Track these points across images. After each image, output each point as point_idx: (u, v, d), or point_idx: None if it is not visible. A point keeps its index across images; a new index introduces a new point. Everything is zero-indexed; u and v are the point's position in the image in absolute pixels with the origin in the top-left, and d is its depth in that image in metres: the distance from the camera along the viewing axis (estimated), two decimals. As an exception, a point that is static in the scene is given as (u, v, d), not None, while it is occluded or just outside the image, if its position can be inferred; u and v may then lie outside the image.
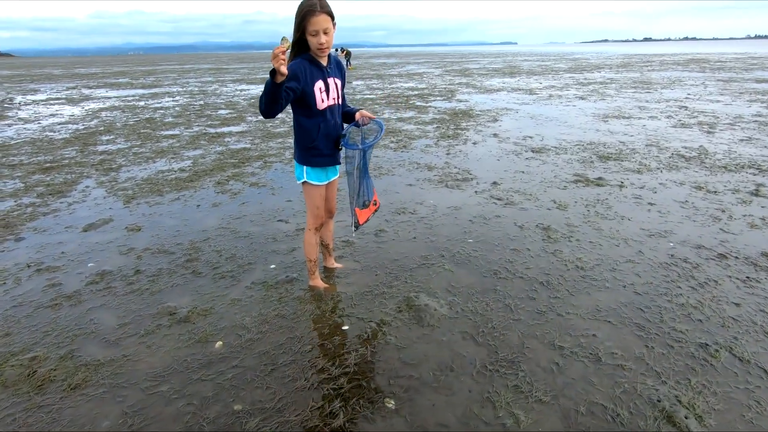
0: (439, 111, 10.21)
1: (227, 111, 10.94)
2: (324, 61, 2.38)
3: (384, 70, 28.35)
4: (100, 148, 6.99)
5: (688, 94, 12.34)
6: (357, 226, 2.64)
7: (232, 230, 3.69)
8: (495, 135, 7.39)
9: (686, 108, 9.87)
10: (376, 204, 2.69)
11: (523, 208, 4.05)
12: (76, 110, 11.77)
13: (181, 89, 17.69)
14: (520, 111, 9.98)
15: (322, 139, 2.42)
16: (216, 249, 3.33)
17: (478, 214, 3.91)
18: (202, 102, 13.00)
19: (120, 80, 24.03)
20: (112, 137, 7.86)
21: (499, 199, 4.29)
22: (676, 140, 6.71)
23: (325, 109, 2.41)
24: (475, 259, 3.10)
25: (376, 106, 11.32)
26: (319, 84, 2.35)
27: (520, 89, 14.72)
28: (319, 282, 2.79)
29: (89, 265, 3.14)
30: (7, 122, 9.88)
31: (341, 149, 2.52)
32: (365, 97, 13.40)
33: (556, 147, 6.43)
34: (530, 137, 7.16)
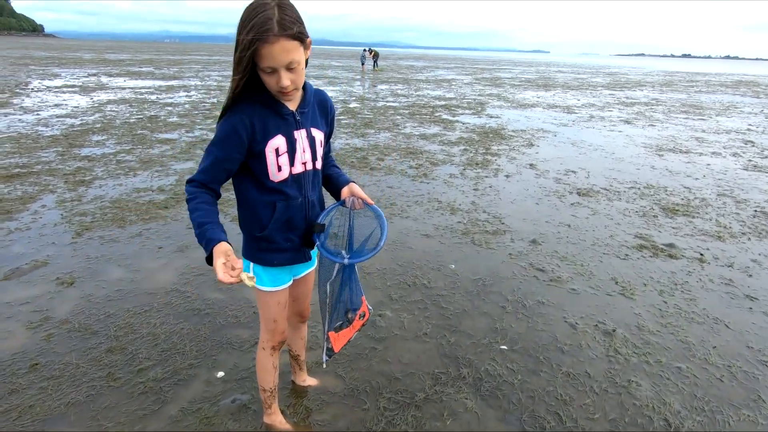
0: (467, 128, 9.20)
1: (238, 112, 10.17)
2: (292, 104, 1.46)
3: (411, 74, 27.38)
4: (84, 151, 6.26)
5: (750, 125, 10.98)
6: (330, 353, 1.70)
7: (186, 296, 2.80)
8: (531, 166, 6.35)
9: (753, 143, 8.60)
10: (364, 316, 1.75)
11: (573, 289, 3.05)
12: (84, 101, 11.21)
13: (199, 83, 17.11)
14: (559, 135, 8.88)
15: (278, 227, 1.50)
16: (153, 331, 2.45)
17: (513, 296, 2.93)
18: (215, 100, 12.30)
19: (143, 69, 23.73)
20: (103, 138, 7.14)
21: (541, 271, 3.29)
22: (754, 189, 5.55)
23: (287, 179, 1.49)
24: (510, 388, 2.12)
25: (399, 116, 10.38)
26: (277, 142, 1.42)
27: (556, 106, 13.55)
28: (278, 420, 1.87)
29: (-23, 346, 2.31)
30: (6, 111, 9.33)
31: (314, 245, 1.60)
32: (388, 104, 12.47)
33: (606, 189, 5.36)
34: (573, 172, 6.10)
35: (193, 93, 13.77)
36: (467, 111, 11.78)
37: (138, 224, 3.88)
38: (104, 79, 17.13)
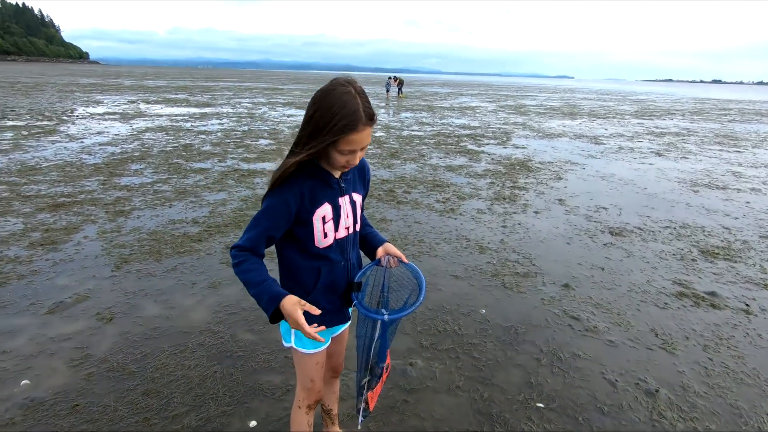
0: (493, 159, 9.19)
1: (267, 141, 10.49)
2: (338, 173, 1.51)
3: (436, 101, 27.75)
4: (124, 180, 6.55)
5: (790, 159, 10.57)
6: (366, 413, 1.69)
7: (219, 337, 2.85)
8: (560, 201, 6.26)
9: (795, 179, 8.25)
10: (387, 369, 1.73)
11: (611, 341, 2.94)
12: (124, 129, 11.79)
13: (231, 110, 17.79)
14: (587, 167, 8.76)
15: (322, 291, 1.54)
16: (187, 374, 2.48)
17: (548, 347, 2.85)
18: (246, 128, 12.73)
19: (179, 96, 24.89)
20: (142, 167, 7.47)
21: (575, 319, 3.19)
22: (799, 232, 5.30)
23: (331, 245, 1.53)
24: (549, 452, 2.04)
25: (425, 146, 10.48)
26: (324, 210, 1.47)
27: (583, 136, 13.42)
28: (310, 480, 1.85)
29: (22, 383, 2.38)
30: (53, 138, 9.90)
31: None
32: (413, 133, 12.63)
33: (640, 228, 5.22)
34: (604, 209, 5.97)
35: (225, 121, 14.31)
36: (492, 141, 11.80)
37: (173, 258, 3.99)
38: (143, 106, 18.03)
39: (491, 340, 2.90)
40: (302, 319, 1.33)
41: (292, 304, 1.34)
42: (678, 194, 6.89)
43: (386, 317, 1.52)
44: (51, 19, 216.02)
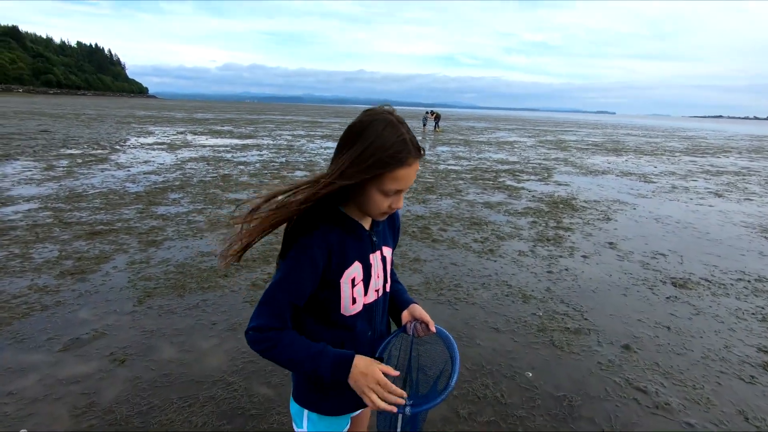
0: (534, 197, 8.75)
1: (303, 173, 10.56)
2: (366, 222, 1.26)
3: (472, 135, 27.61)
4: (161, 210, 6.63)
5: None
6: None
7: (233, 389, 2.59)
8: (611, 245, 5.73)
9: None
10: None
11: (689, 425, 2.44)
12: (169, 158, 12.28)
13: (271, 142, 18.32)
14: (639, 207, 8.14)
15: None
16: (194, 435, 2.22)
17: (611, 427, 2.38)
18: (284, 159, 12.96)
19: (224, 128, 26.08)
20: (180, 196, 7.59)
21: (642, 392, 2.71)
22: None
23: (359, 312, 1.25)
24: None
25: (461, 181, 10.19)
26: (354, 271, 1.21)
27: (631, 174, 12.70)
28: None
29: (20, 433, 2.20)
30: (103, 166, 10.40)
31: None
32: (450, 167, 12.40)
33: (707, 280, 4.62)
34: (663, 255, 5.40)
35: (264, 152, 14.68)
36: (533, 177, 11.35)
37: (197, 293, 3.84)
38: (189, 137, 18.92)
39: (541, 413, 2.47)
40: (384, 379, 1.09)
41: (367, 365, 1.11)
42: (747, 241, 6.17)
43: (407, 411, 1.19)
44: (118, 58, 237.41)
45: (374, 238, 1.26)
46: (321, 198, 1.15)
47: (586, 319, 3.64)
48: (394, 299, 1.41)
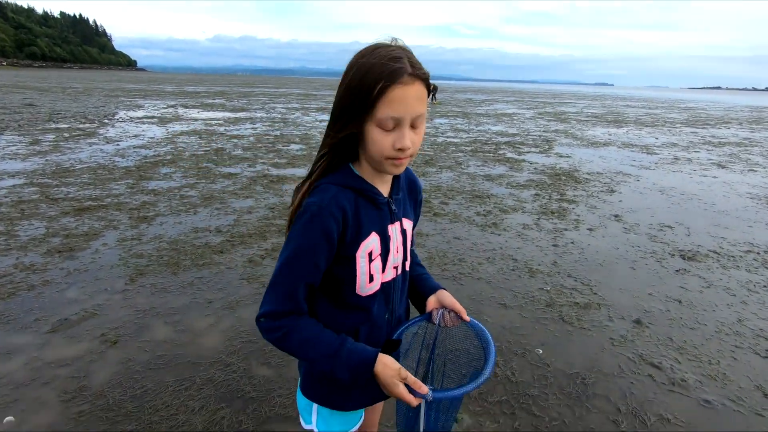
0: (536, 169, 8.55)
1: (299, 147, 10.26)
2: (384, 187, 1.08)
3: (470, 107, 27.08)
4: (152, 184, 6.39)
5: None
6: None
7: (231, 371, 2.46)
8: (616, 217, 5.60)
9: None
10: None
11: (707, 401, 2.35)
12: (159, 132, 11.90)
13: (265, 115, 17.84)
14: (642, 179, 7.98)
15: None
16: (190, 419, 2.10)
17: (626, 405, 2.29)
18: (278, 133, 12.61)
19: (215, 101, 25.39)
20: (171, 170, 7.34)
21: (656, 368, 2.61)
22: None
23: (376, 292, 1.09)
24: None
25: (461, 153, 9.96)
26: (371, 243, 1.04)
27: (632, 145, 12.49)
28: None
29: (5, 420, 2.07)
30: (91, 140, 10.05)
31: None
32: (449, 140, 12.12)
33: (716, 252, 4.52)
34: (669, 227, 5.27)
35: (258, 125, 14.28)
36: (533, 149, 11.12)
37: (191, 271, 3.68)
38: (180, 111, 18.38)
39: (553, 392, 2.37)
40: (406, 396, 0.97)
41: (391, 377, 0.97)
42: (754, 212, 6.06)
43: (430, 395, 1.05)
44: (104, 29, 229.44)
45: (393, 207, 1.09)
46: (330, 161, 0.99)
47: (595, 293, 3.53)
48: (418, 284, 1.25)
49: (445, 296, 1.19)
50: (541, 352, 2.73)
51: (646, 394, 2.38)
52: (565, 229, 5.06)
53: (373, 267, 1.06)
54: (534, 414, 2.21)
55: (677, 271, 4.02)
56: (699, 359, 2.71)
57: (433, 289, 1.21)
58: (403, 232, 1.13)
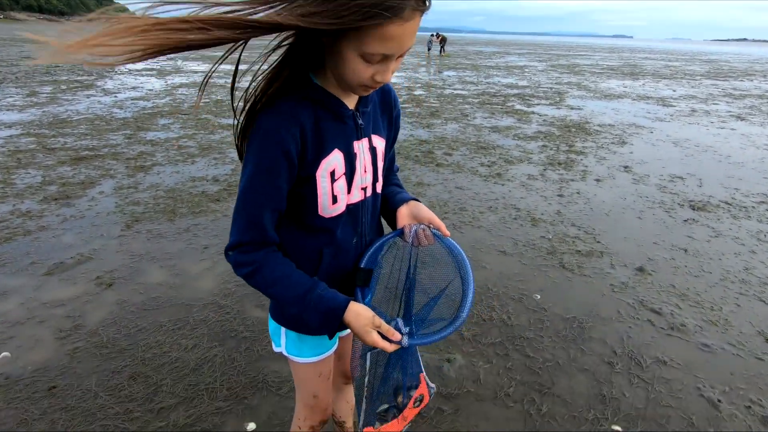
0: (544, 120, 8.25)
1: (300, 98, 9.97)
2: (350, 100, 0.96)
3: (480, 60, 26.00)
4: (150, 135, 6.27)
5: None
6: None
7: (225, 312, 2.46)
8: (626, 168, 5.41)
9: None
10: (422, 401, 1.22)
11: (706, 345, 2.31)
12: (158, 84, 11.60)
13: (266, 67, 17.24)
14: (656, 131, 7.67)
15: (326, 275, 1.02)
16: (183, 356, 2.11)
17: (622, 348, 2.26)
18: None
19: (217, 53, 24.49)
20: (170, 121, 7.18)
21: (656, 313, 2.57)
22: None
23: (341, 215, 1.01)
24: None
25: (468, 105, 9.61)
26: (334, 161, 0.94)
27: (648, 97, 11.97)
28: None
29: (2, 355, 2.10)
30: (89, 92, 9.83)
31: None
32: (456, 92, 11.69)
33: (727, 203, 4.36)
34: (681, 178, 5.09)
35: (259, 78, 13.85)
36: (543, 101, 10.70)
37: (188, 218, 3.64)
38: (180, 63, 17.86)
39: (549, 335, 2.35)
40: (381, 343, 0.94)
41: (364, 326, 0.92)
42: (771, 164, 5.83)
43: (405, 341, 0.98)
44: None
45: (360, 121, 0.97)
46: (284, 72, 0.87)
47: (598, 242, 3.45)
48: (389, 199, 1.14)
49: (420, 208, 1.08)
50: (539, 297, 2.69)
51: (644, 338, 2.34)
52: (572, 180, 4.90)
53: (337, 187, 0.96)
54: (528, 355, 2.19)
55: (685, 221, 3.90)
56: (701, 305, 2.66)
57: (404, 200, 1.11)
58: (372, 150, 1.02)
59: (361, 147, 0.99)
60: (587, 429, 1.79)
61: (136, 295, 2.59)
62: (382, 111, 1.08)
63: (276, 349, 1.16)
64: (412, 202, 1.11)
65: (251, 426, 1.76)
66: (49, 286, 2.65)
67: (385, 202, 1.14)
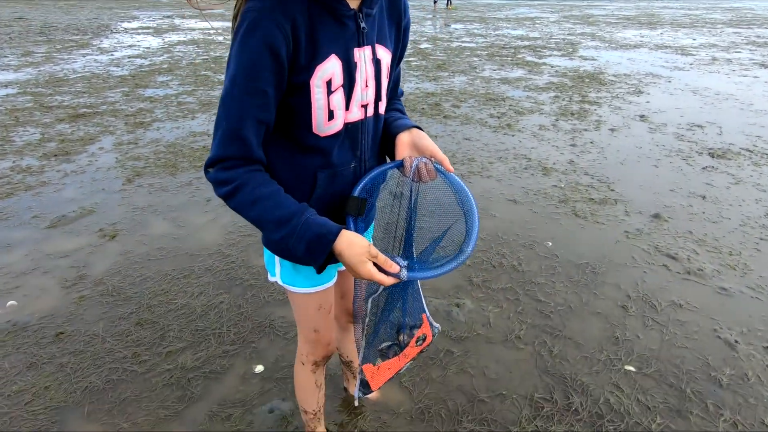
0: (556, 72, 7.89)
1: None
2: (355, 0, 0.84)
3: (489, 12, 24.79)
4: (148, 92, 6.09)
5: None
6: (365, 390, 1.14)
7: (230, 261, 2.42)
8: (642, 117, 5.19)
9: None
10: (425, 340, 1.16)
11: (723, 289, 2.24)
12: (155, 42, 11.22)
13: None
14: (674, 80, 7.32)
15: (318, 210, 0.91)
16: (189, 303, 2.09)
17: (636, 292, 2.20)
18: (280, 40, 11.78)
19: (215, 11, 23.62)
20: (168, 78, 6.97)
21: (672, 258, 2.49)
22: None
23: (339, 133, 0.90)
24: (646, 435, 1.50)
25: (476, 58, 9.21)
26: (330, 68, 0.83)
27: (666, 47, 11.38)
28: (323, 447, 1.43)
29: (8, 304, 2.09)
30: (84, 51, 9.54)
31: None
32: (464, 45, 11.19)
33: (749, 150, 4.18)
34: (700, 127, 4.87)
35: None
36: (556, 52, 10.21)
37: (189, 172, 3.56)
38: (177, 21, 17.25)
39: (561, 280, 2.29)
40: (377, 275, 0.84)
41: (358, 255, 0.83)
42: (795, 111, 5.55)
43: (404, 275, 0.89)
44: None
45: (362, 24, 0.86)
46: None
47: (612, 190, 3.33)
48: (389, 125, 1.03)
49: (423, 138, 0.98)
50: (550, 244, 2.61)
51: (659, 283, 2.28)
52: (585, 130, 4.71)
53: (334, 101, 0.86)
54: (539, 300, 2.14)
55: (704, 168, 3.74)
56: (719, 251, 2.57)
57: (405, 126, 1.01)
58: (376, 62, 0.91)
59: (362, 56, 0.88)
60: (599, 369, 1.75)
61: (140, 246, 2.56)
62: (390, 18, 0.95)
63: (271, 279, 1.11)
64: (415, 130, 1.01)
65: (259, 368, 1.75)
66: (52, 239, 2.63)
67: (384, 127, 1.04)
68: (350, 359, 1.53)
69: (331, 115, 0.87)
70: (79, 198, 3.12)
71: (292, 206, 0.84)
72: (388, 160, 1.06)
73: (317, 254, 0.84)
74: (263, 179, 0.85)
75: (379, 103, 0.97)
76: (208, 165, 0.85)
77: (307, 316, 1.14)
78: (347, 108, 0.89)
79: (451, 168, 0.97)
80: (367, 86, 0.91)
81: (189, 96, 5.91)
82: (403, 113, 1.10)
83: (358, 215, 0.95)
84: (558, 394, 1.64)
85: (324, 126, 0.88)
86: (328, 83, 0.85)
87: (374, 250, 0.85)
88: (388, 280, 0.86)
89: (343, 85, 0.87)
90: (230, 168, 0.83)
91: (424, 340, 1.16)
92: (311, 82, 0.83)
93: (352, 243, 0.84)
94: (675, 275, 2.34)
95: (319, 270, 0.87)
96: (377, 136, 1.01)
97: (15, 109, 5.19)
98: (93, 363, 1.76)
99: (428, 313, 1.16)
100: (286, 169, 0.90)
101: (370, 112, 0.95)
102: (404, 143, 0.99)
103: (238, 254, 2.48)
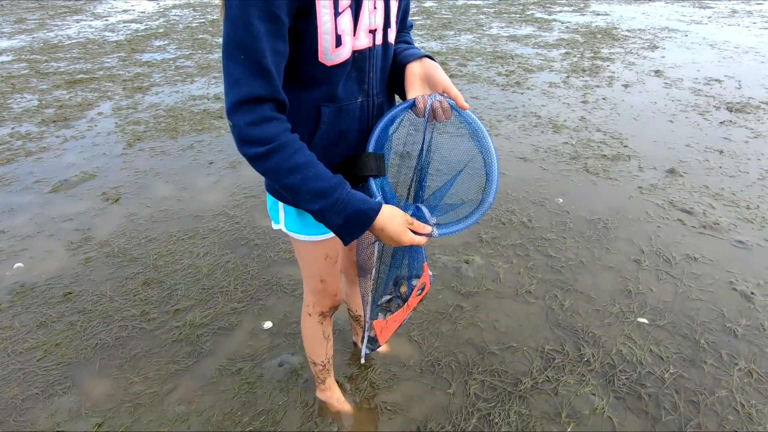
0: (567, 28, 7.55)
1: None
2: None
3: (496, -32, 23.64)
4: (145, 56, 5.92)
5: None
6: (374, 346, 1.11)
7: (235, 222, 2.39)
8: (657, 73, 4.97)
9: None
10: (423, 290, 1.13)
11: (740, 242, 2.18)
12: (150, 6, 10.85)
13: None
14: (691, 34, 6.98)
15: (323, 148, 0.87)
16: (196, 263, 2.08)
17: (650, 247, 2.15)
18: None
19: (210, -27, 22.76)
20: (165, 43, 6.76)
21: (687, 213, 2.42)
22: None
23: (346, 61, 0.82)
24: (658, 384, 1.48)
25: (482, 15, 8.82)
26: None
27: None
28: (334, 397, 1.43)
29: (15, 266, 2.09)
30: (78, 17, 9.26)
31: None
32: (469, 2, 10.71)
33: (769, 104, 4.01)
34: (718, 81, 4.67)
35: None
36: (566, 8, 9.75)
37: (190, 135, 3.49)
38: (171, -15, 16.61)
39: (572, 236, 2.24)
40: (416, 239, 0.85)
41: (400, 225, 0.82)
42: (819, 63, 5.29)
43: (435, 232, 0.88)
44: None
45: None
46: None
47: (625, 146, 3.22)
48: (397, 53, 0.95)
49: (434, 69, 0.90)
50: (561, 201, 2.55)
51: (674, 237, 2.22)
52: (597, 86, 4.53)
53: (341, 23, 0.78)
54: (549, 255, 2.10)
55: (721, 123, 3.60)
56: (736, 204, 2.49)
57: (418, 57, 0.92)
58: None
59: None
60: (611, 322, 1.73)
61: (144, 209, 2.53)
62: None
63: (275, 227, 1.06)
64: (426, 60, 0.93)
65: (268, 324, 1.74)
66: (55, 203, 2.60)
67: (393, 58, 0.96)
68: (359, 313, 1.51)
69: (338, 41, 0.80)
70: (80, 163, 3.07)
71: (332, 179, 0.79)
72: (398, 100, 0.99)
73: (355, 229, 0.81)
74: (299, 145, 0.79)
75: (388, 30, 0.89)
76: (234, 110, 0.75)
77: (313, 266, 1.11)
78: (354, 33, 0.82)
79: (465, 105, 0.90)
80: (375, 8, 0.83)
81: (187, 60, 5.74)
82: (411, 41, 1.03)
83: (379, 174, 0.90)
84: (569, 345, 1.63)
85: (331, 53, 0.81)
86: (335, 3, 0.77)
87: (409, 218, 0.84)
88: (424, 241, 0.85)
89: (350, 6, 0.79)
90: (261, 122, 0.75)
91: (423, 289, 1.13)
92: (317, 2, 0.75)
93: (392, 216, 0.82)
94: (690, 229, 2.28)
95: (346, 243, 0.83)
96: (386, 69, 0.94)
97: (11, 76, 5.07)
98: (102, 321, 1.76)
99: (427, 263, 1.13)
100: (292, 103, 0.84)
101: (379, 39, 0.87)
102: (415, 75, 0.91)
103: (242, 215, 2.45)
